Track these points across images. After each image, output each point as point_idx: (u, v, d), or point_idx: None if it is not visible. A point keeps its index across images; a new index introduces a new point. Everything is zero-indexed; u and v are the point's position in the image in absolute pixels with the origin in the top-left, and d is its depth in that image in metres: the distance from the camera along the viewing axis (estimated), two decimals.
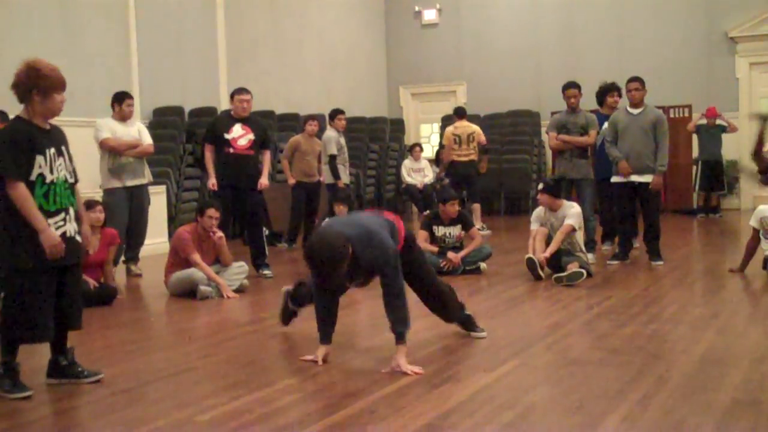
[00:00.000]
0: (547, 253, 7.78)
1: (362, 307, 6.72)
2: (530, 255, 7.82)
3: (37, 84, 4.27)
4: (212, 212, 7.45)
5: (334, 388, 4.38)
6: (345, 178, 11.10)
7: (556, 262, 7.79)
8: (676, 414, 3.75)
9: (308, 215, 11.00)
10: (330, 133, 11.10)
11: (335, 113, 11.25)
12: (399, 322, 4.64)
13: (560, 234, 7.88)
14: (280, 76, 14.75)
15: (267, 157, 8.85)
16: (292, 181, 10.91)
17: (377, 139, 16.28)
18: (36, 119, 4.33)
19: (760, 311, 6.51)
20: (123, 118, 8.57)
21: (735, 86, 15.41)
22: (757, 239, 7.69)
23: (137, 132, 8.64)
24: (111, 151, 8.48)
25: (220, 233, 7.53)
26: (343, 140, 11.19)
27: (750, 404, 3.87)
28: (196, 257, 7.32)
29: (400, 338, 4.64)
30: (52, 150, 4.33)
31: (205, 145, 8.65)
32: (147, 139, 8.69)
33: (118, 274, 8.42)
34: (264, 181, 8.62)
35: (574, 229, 7.90)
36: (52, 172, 4.31)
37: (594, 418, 3.73)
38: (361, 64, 17.32)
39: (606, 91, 9.68)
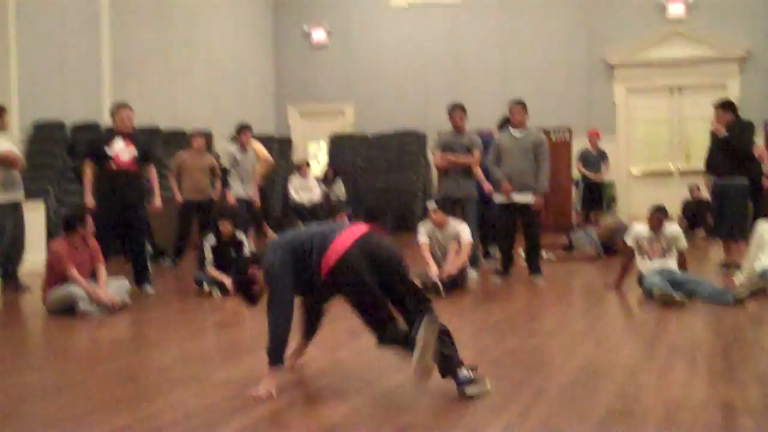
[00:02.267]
0: (455, 271, 7.97)
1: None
2: (435, 279, 7.94)
3: None
4: (90, 220, 7.41)
5: (220, 404, 4.33)
6: (241, 192, 10.94)
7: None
8: (554, 424, 3.85)
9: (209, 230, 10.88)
10: (228, 147, 11.09)
11: (238, 129, 11.09)
12: (269, 340, 4.45)
13: (465, 249, 8.12)
14: (166, 92, 14.54)
15: (153, 173, 8.74)
16: (179, 197, 10.75)
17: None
18: None
19: (634, 325, 6.76)
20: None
21: (613, 111, 16.00)
22: (632, 256, 7.98)
23: (8, 144, 8.54)
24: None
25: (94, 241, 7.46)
26: (242, 156, 10.99)
27: (624, 414, 4.00)
28: (74, 272, 7.15)
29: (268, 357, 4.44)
30: None
31: (85, 161, 8.48)
32: (18, 153, 8.62)
33: None
34: (157, 202, 8.57)
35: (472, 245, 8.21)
36: None
37: (476, 429, 3.80)
38: (249, 82, 17.25)
39: (508, 122, 9.76)
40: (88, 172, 8.37)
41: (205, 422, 4.02)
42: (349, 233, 4.44)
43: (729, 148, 9.25)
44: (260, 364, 5.14)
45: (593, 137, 14.24)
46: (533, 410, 4.07)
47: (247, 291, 4.70)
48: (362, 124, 17.34)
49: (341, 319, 6.93)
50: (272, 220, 15.94)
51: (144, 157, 8.47)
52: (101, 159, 8.24)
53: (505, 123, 9.72)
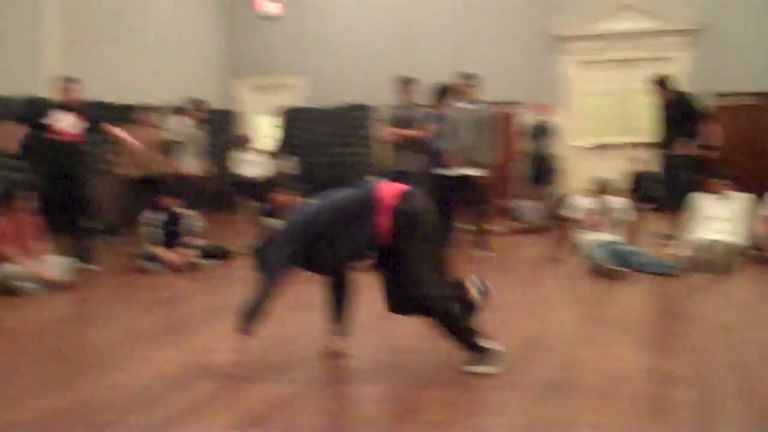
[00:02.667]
0: None
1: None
2: None
3: None
4: (19, 197, 7.28)
5: (159, 384, 4.29)
6: (194, 167, 10.83)
7: None
8: (494, 397, 3.88)
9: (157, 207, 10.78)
10: (181, 122, 10.93)
11: (192, 104, 10.99)
12: (248, 307, 4.32)
13: None
14: (114, 65, 14.28)
15: (110, 130, 8.68)
16: (125, 172, 10.61)
17: (213, 130, 16.03)
18: None
19: (576, 297, 6.82)
20: None
21: (562, 84, 16.06)
22: (578, 229, 8.04)
23: None
24: None
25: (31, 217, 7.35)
26: (195, 131, 10.89)
27: (563, 385, 4.04)
28: (8, 250, 7.03)
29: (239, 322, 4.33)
30: None
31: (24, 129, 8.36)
32: None
33: None
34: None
35: None
36: None
37: (417, 403, 3.82)
38: (198, 55, 17.02)
39: (450, 89, 9.69)
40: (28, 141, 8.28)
41: (142, 403, 3.98)
42: (390, 189, 4.35)
43: (675, 118, 9.37)
44: (204, 343, 5.12)
45: (542, 110, 14.31)
46: (473, 383, 4.09)
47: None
48: (315, 98, 17.22)
49: (287, 295, 6.91)
50: (219, 196, 15.84)
51: (93, 129, 8.38)
52: (42, 130, 8.10)
53: (443, 92, 9.67)
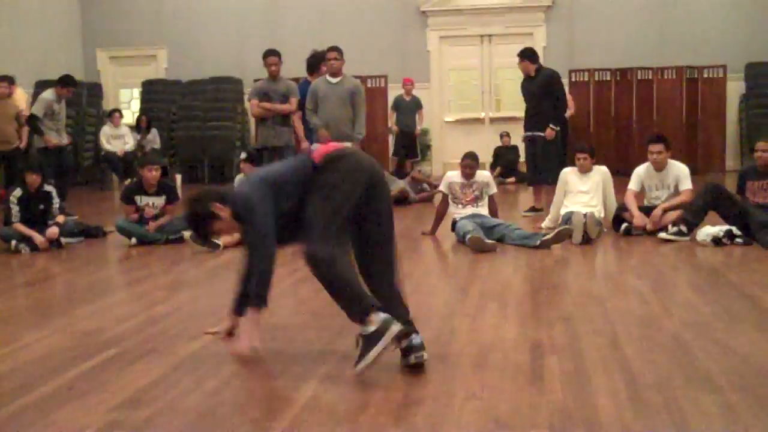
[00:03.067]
0: None
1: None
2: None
3: None
4: None
5: (25, 369, 4.16)
6: (57, 141, 10.40)
7: None
8: (371, 372, 3.93)
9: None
10: (45, 95, 10.38)
11: (63, 81, 10.48)
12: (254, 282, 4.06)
13: None
14: None
15: None
16: None
17: (73, 104, 15.50)
18: None
19: (448, 270, 6.98)
20: None
21: (426, 58, 16.26)
22: (446, 203, 8.21)
23: None
24: None
25: None
26: (59, 106, 10.42)
27: (439, 357, 4.14)
28: None
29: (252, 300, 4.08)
30: None
31: None
32: None
33: None
34: None
35: None
36: None
37: (296, 380, 3.84)
38: (53, 24, 16.37)
39: (321, 60, 9.58)
40: None
41: (13, 388, 3.85)
42: (326, 147, 4.16)
43: (539, 93, 9.63)
44: (73, 325, 4.99)
45: (407, 85, 14.48)
46: (350, 360, 4.13)
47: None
48: (176, 70, 16.85)
49: (158, 274, 6.82)
50: (85, 171, 15.37)
51: None
52: None
53: (312, 65, 9.60)
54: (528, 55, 9.78)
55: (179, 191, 9.45)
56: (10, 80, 10.87)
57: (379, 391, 3.68)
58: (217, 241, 7.59)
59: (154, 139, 15.06)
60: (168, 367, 4.09)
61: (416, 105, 14.48)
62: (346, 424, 3.32)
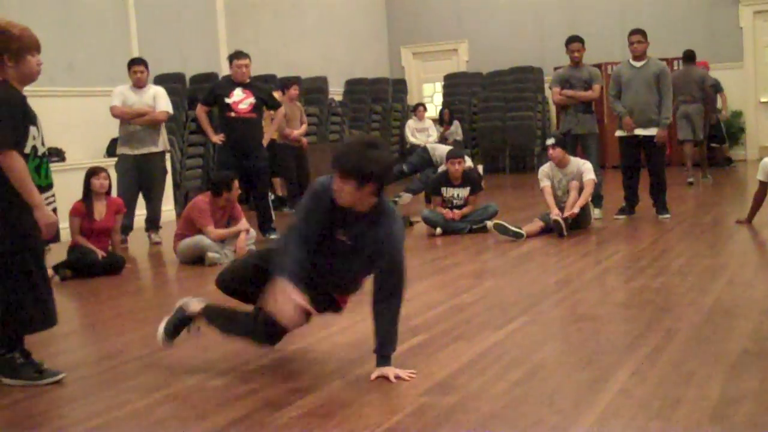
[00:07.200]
0: (577, 210, 7.76)
1: None
2: (556, 217, 7.77)
3: (8, 47, 3.78)
4: (237, 184, 7.44)
5: (350, 347, 4.37)
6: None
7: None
8: (686, 366, 3.75)
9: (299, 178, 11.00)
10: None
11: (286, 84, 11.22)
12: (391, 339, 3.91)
13: (587, 189, 7.91)
14: (279, 39, 14.63)
15: (279, 115, 9.02)
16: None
17: (380, 100, 16.21)
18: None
19: (767, 262, 6.51)
20: (134, 84, 8.58)
21: (739, 35, 15.26)
22: (764, 191, 7.65)
23: (151, 99, 8.58)
24: (118, 118, 8.54)
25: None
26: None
27: (759, 354, 3.87)
28: (212, 229, 7.31)
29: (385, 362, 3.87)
30: (38, 121, 3.95)
31: (199, 106, 8.68)
32: (161, 106, 8.62)
33: (137, 242, 8.47)
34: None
35: (596, 183, 8.00)
36: (43, 144, 3.98)
37: (603, 373, 3.73)
38: (361, 25, 17.18)
39: (691, 54, 9.22)
40: (202, 114, 8.64)
41: (326, 371, 4.05)
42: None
43: None
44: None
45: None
46: (663, 353, 3.97)
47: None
48: (476, 63, 17.08)
49: (463, 263, 6.93)
50: None
51: (268, 105, 8.64)
52: (220, 108, 8.38)
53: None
54: None
55: (483, 182, 9.56)
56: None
57: (693, 387, 3.49)
58: (520, 230, 7.62)
59: (456, 131, 15.35)
60: (474, 355, 4.14)
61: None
62: (658, 420, 3.17)
